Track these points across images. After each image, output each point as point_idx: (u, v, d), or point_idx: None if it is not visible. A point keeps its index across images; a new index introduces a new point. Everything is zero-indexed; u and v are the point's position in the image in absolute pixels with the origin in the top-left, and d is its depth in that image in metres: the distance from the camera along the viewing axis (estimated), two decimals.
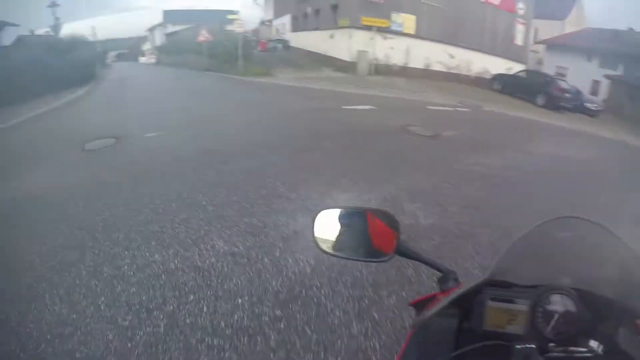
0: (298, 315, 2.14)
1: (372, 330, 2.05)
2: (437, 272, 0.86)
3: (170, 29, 33.56)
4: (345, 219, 0.88)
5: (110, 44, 34.46)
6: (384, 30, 15.45)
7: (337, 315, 2.16)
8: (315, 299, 2.29)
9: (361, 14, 14.97)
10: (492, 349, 0.71)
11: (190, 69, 19.21)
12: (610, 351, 0.60)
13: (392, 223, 0.84)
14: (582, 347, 0.64)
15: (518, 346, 0.66)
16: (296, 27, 23.31)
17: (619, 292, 0.72)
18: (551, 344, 0.67)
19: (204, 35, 17.62)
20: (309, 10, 20.35)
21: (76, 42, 18.01)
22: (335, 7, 17.20)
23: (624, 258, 0.72)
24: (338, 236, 0.87)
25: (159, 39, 36.05)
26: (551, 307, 0.69)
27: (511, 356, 0.66)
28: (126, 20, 42.85)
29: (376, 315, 2.17)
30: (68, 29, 22.42)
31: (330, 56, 17.31)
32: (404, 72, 15.97)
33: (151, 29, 38.90)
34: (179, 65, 21.73)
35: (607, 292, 0.71)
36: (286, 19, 25.28)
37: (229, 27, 17.10)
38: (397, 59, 16.12)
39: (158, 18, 37.12)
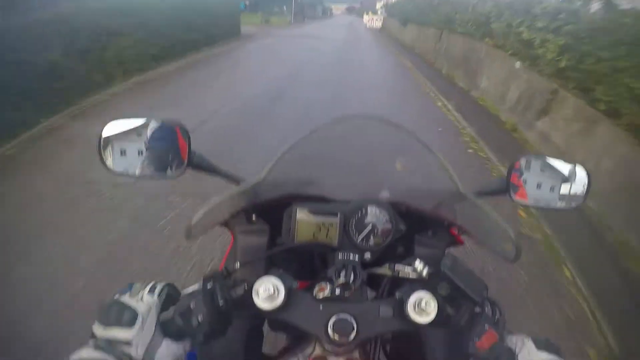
0: None
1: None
2: (235, 185, 0.80)
3: None
4: (143, 131, 0.71)
5: None
6: None
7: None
8: None
9: None
10: (306, 261, 0.74)
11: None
12: (433, 273, 0.60)
13: (184, 134, 0.72)
14: (407, 265, 0.64)
15: (340, 254, 0.68)
16: None
17: (430, 202, 0.74)
18: (367, 255, 0.69)
19: None
20: None
21: None
22: None
23: (432, 169, 0.75)
24: (130, 151, 0.71)
25: None
26: (365, 220, 0.70)
27: (329, 266, 0.67)
28: None
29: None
30: None
31: None
32: None
33: None
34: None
35: (420, 203, 0.73)
36: None
37: None
38: None
39: None
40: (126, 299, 0.52)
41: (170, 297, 0.57)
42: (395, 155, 0.87)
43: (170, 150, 0.72)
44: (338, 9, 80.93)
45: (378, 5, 37.04)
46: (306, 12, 36.35)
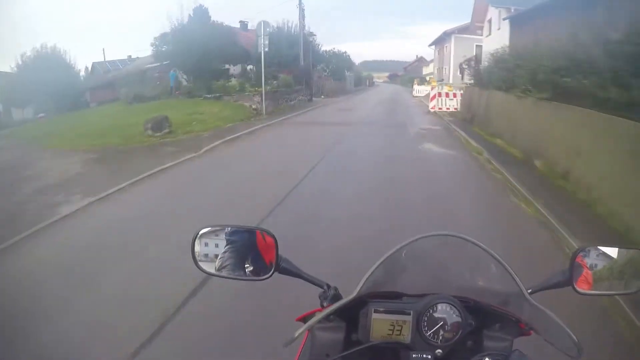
0: None
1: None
2: (319, 288, 0.86)
3: None
4: (229, 236, 0.86)
5: None
6: None
7: None
8: None
9: None
10: (381, 356, 0.75)
11: None
12: None
13: (271, 240, 0.83)
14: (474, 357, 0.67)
15: (414, 354, 0.72)
16: None
17: (497, 300, 0.79)
18: (439, 351, 0.73)
19: None
20: None
21: None
22: None
23: (497, 270, 0.77)
24: (221, 254, 0.86)
25: None
26: (436, 315, 0.73)
27: None
28: None
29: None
30: None
31: None
32: None
33: None
34: None
35: (488, 300, 0.78)
36: None
37: None
38: None
39: None
40: None
41: None
42: (464, 259, 0.89)
43: (254, 254, 0.84)
44: (379, 77, 78.65)
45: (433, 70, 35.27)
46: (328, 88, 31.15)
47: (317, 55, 24.70)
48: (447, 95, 15.90)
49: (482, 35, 27.79)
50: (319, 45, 25.93)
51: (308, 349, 0.78)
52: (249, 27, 23.86)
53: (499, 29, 18.58)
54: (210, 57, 17.15)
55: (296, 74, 19.71)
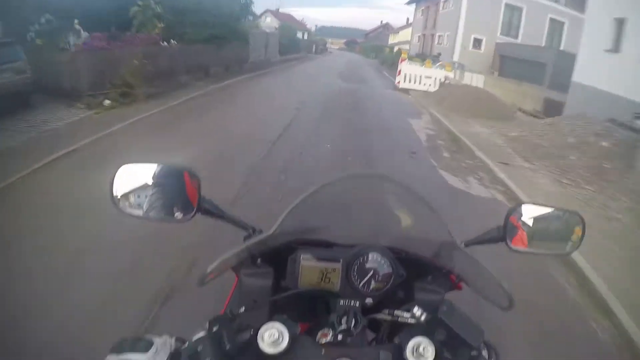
0: None
1: None
2: (243, 231, 0.81)
3: None
4: (153, 176, 0.76)
5: None
6: None
7: None
8: None
9: None
10: (309, 304, 0.75)
11: None
12: (431, 319, 0.61)
13: (195, 180, 0.75)
14: (406, 311, 0.66)
15: (342, 301, 0.71)
16: None
17: (430, 251, 0.79)
18: (369, 299, 0.72)
19: None
20: None
21: None
22: None
23: (429, 218, 0.78)
24: (149, 195, 0.76)
25: None
26: (367, 265, 0.73)
27: (332, 311, 0.69)
28: None
29: None
30: None
31: None
32: None
33: None
34: None
35: (420, 251, 0.79)
36: None
37: None
38: None
39: None
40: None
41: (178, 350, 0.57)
42: (396, 207, 0.91)
43: (179, 194, 0.75)
44: (335, 43, 64.52)
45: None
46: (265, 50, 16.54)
47: None
48: None
49: None
50: None
51: (237, 295, 0.77)
52: None
53: None
54: None
55: None
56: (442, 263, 0.77)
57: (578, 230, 0.79)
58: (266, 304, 0.70)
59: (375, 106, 9.35)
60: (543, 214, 0.79)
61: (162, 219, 0.74)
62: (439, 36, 22.16)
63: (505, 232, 0.77)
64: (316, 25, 63.42)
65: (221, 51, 11.44)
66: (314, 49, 34.48)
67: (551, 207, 0.81)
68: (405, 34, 40.51)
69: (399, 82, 12.83)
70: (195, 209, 0.73)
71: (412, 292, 0.76)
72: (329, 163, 4.75)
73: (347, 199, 0.85)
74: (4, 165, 3.94)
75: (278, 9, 40.03)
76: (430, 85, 12.35)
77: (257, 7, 41.55)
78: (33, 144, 4.72)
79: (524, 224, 0.78)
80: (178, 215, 0.74)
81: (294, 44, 23.85)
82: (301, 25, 44.08)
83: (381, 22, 59.10)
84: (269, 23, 30.42)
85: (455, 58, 17.89)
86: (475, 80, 12.53)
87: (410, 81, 12.63)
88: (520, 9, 19.31)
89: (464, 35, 18.43)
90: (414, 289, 0.76)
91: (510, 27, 19.55)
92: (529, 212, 0.79)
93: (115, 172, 0.73)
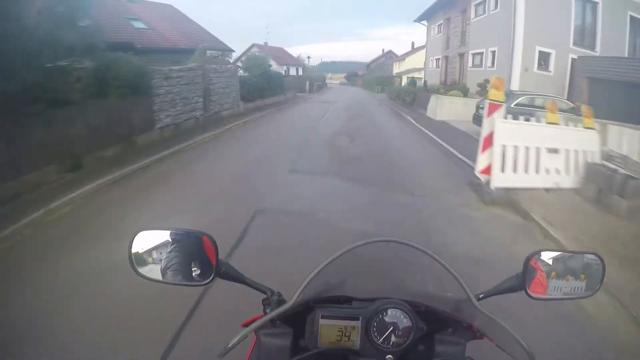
0: None
1: None
2: (262, 294, 0.82)
3: None
4: (170, 240, 0.79)
5: None
6: None
7: None
8: None
9: None
10: None
11: None
12: None
13: (212, 244, 0.77)
14: None
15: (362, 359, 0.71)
16: None
17: (448, 306, 0.78)
18: (389, 357, 0.72)
19: None
20: None
21: None
22: None
23: (441, 274, 0.77)
24: (165, 255, 0.78)
25: None
26: (386, 320, 0.73)
27: None
28: None
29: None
30: None
31: None
32: None
33: None
34: None
35: (439, 306, 0.77)
36: None
37: None
38: None
39: None
40: None
41: None
42: (412, 264, 0.97)
43: (197, 258, 0.77)
44: (335, 78, 60.69)
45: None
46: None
47: None
48: None
49: None
50: None
51: (255, 356, 0.77)
52: None
53: None
54: None
55: None
56: (462, 317, 0.76)
57: (598, 271, 0.80)
58: None
59: None
60: (561, 257, 0.81)
61: (181, 282, 0.76)
62: (474, 55, 15.90)
63: (524, 279, 0.78)
64: (321, 59, 61.44)
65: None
66: (307, 87, 28.81)
67: (569, 250, 0.82)
68: (413, 61, 35.13)
69: (490, 173, 5.14)
70: (214, 273, 0.76)
71: (432, 345, 0.76)
72: None
73: (365, 256, 0.86)
74: None
75: (266, 42, 35.19)
76: (560, 173, 5.27)
77: (245, 44, 37.45)
78: None
79: (542, 269, 0.79)
80: (197, 278, 0.76)
81: (275, 82, 17.83)
82: (293, 60, 39.19)
83: (383, 50, 54.34)
84: None
85: (515, 86, 11.44)
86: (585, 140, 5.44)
87: (519, 168, 5.16)
88: (594, 4, 12.99)
89: (524, 48, 11.99)
90: (434, 341, 0.77)
91: (584, 34, 13.17)
92: (547, 257, 0.80)
93: (133, 238, 0.76)
